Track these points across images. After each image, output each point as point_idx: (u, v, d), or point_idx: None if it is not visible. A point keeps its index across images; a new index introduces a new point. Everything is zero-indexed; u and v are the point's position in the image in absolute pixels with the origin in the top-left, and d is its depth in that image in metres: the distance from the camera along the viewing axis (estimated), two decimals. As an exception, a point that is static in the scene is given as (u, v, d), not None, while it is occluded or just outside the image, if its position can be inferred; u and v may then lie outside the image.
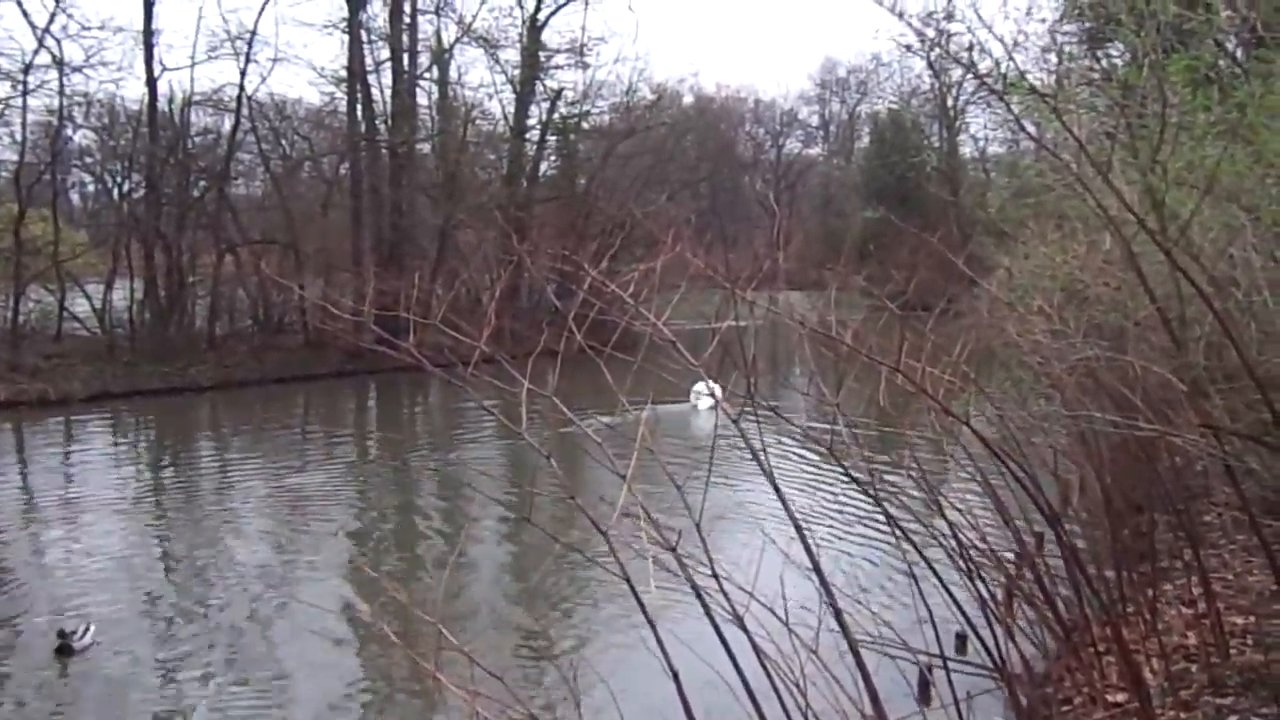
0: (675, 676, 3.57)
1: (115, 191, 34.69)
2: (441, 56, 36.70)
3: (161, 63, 30.04)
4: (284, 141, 36.30)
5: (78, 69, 29.37)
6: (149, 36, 29.48)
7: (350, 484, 17.06)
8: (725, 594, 3.78)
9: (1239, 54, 8.32)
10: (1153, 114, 4.19)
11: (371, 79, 34.58)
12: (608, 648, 8.96)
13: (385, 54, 35.12)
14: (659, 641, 3.59)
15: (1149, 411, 5.14)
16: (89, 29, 29.09)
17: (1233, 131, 5.15)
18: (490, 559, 12.05)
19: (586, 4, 37.83)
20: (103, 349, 28.49)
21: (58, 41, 28.75)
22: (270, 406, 25.86)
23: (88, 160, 36.31)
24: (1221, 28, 5.92)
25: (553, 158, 41.00)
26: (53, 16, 28.23)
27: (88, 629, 9.16)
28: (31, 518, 14.38)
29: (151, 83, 29.65)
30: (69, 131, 31.96)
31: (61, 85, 29.56)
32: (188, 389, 26.78)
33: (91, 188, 41.07)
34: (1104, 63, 14.21)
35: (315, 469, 17.96)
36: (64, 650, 8.89)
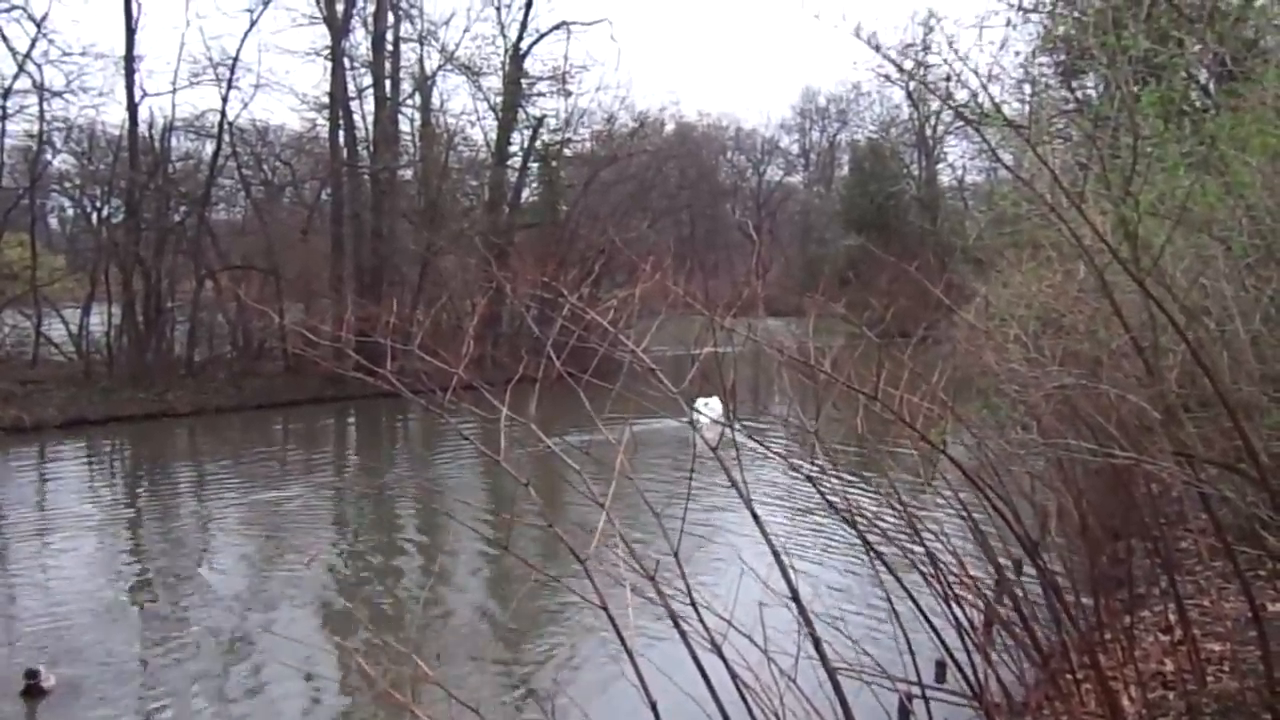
0: (654, 707, 3.55)
1: (94, 216, 34.52)
2: (424, 84, 36.87)
3: (143, 88, 30.05)
4: (265, 167, 36.27)
5: (58, 94, 29.42)
6: (130, 62, 29.47)
7: (327, 511, 16.94)
8: (704, 622, 3.77)
9: (1210, 87, 8.48)
10: (1125, 145, 4.24)
11: (354, 105, 34.70)
12: (586, 677, 8.89)
13: (367, 81, 35.28)
14: (637, 671, 3.57)
15: (1124, 439, 5.18)
16: (70, 55, 29.16)
17: (1204, 163, 5.23)
18: (468, 588, 11.96)
19: (569, 33, 38.19)
20: (79, 375, 28.20)
21: (38, 67, 28.82)
22: (249, 433, 25.66)
23: (67, 185, 36.17)
24: (1192, 61, 6.03)
25: (534, 184, 41.16)
26: (34, 42, 28.32)
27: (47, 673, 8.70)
28: (1, 547, 14.17)
29: (132, 108, 29.60)
30: (48, 156, 31.94)
31: (41, 110, 29.62)
32: (165, 415, 26.53)
33: (70, 212, 40.95)
34: (1078, 94, 14.44)
35: (292, 496, 17.79)
36: (31, 692, 8.51)
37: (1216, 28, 5.60)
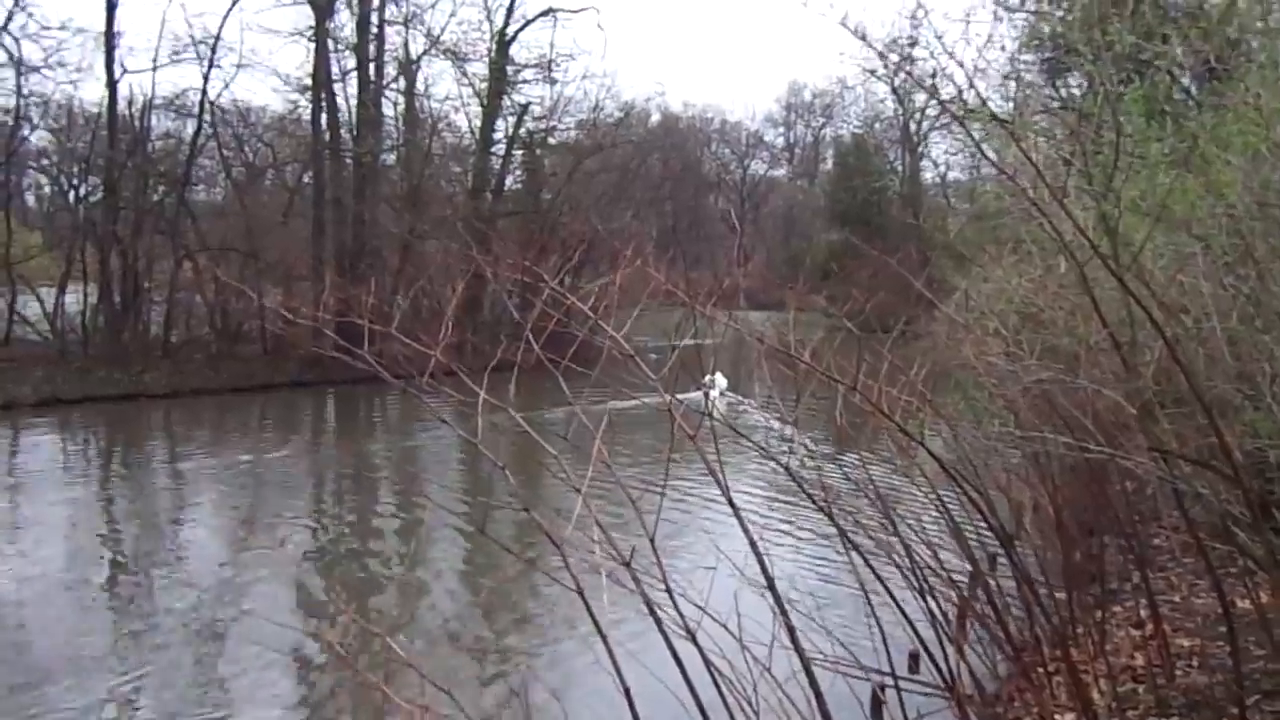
0: (627, 693, 3.54)
1: (71, 194, 34.16)
2: (409, 68, 36.60)
3: (123, 65, 29.71)
4: (246, 148, 35.93)
5: (35, 69, 29.04)
6: (110, 38, 29.12)
7: (303, 493, 16.85)
8: (679, 610, 3.76)
9: (1193, 87, 8.53)
10: (1108, 142, 4.26)
11: (337, 88, 34.40)
12: (560, 662, 8.89)
13: (351, 63, 34.97)
14: (611, 657, 3.56)
15: (1100, 434, 5.21)
16: (49, 29, 28.77)
17: (1185, 161, 5.26)
18: (444, 572, 11.92)
19: (555, 21, 37.96)
20: (54, 354, 27.94)
21: (16, 41, 28.46)
22: (225, 415, 25.48)
23: (44, 162, 35.76)
24: (1176, 60, 6.05)
25: (518, 172, 40.97)
26: (11, 15, 27.96)
27: None
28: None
29: (112, 85, 29.26)
30: (25, 132, 31.50)
31: (19, 85, 29.21)
32: (141, 396, 26.30)
33: (47, 189, 40.45)
34: (1062, 92, 14.50)
35: (268, 477, 17.70)
36: None
37: (1200, 26, 5.63)
